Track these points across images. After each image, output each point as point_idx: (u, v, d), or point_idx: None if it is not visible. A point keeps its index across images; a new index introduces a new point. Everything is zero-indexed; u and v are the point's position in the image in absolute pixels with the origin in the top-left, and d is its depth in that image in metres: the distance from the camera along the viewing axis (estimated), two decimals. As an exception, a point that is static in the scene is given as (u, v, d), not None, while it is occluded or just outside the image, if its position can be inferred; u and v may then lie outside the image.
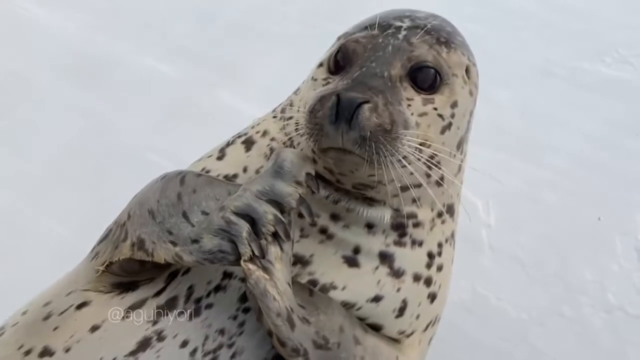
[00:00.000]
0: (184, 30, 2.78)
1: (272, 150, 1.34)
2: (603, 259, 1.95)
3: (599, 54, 2.42)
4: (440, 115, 1.22)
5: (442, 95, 1.23)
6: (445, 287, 1.40)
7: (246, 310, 1.19)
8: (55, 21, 2.85)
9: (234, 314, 1.19)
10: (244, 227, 1.06)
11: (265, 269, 1.05)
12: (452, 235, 1.41)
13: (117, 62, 2.66)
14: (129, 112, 2.49)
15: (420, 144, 1.16)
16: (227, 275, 1.21)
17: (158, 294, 1.20)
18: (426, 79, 1.21)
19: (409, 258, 1.27)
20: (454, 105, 1.24)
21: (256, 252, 1.05)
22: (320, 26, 2.64)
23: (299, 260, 1.22)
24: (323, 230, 1.24)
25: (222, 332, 1.17)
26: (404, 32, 1.22)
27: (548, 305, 1.88)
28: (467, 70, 1.29)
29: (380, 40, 1.21)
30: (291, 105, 1.39)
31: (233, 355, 1.16)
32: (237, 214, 1.08)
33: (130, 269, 1.24)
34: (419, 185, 1.21)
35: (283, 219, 1.08)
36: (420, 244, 1.29)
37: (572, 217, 2.05)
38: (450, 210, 1.38)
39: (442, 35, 1.26)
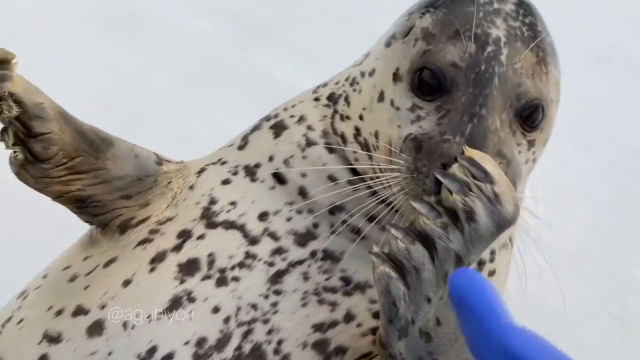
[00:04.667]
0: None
1: (307, 141, 1.24)
2: (655, 257, 1.90)
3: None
4: (535, 160, 1.12)
5: (541, 133, 1.11)
6: (500, 288, 1.32)
7: (278, 293, 1.15)
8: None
9: (266, 294, 1.15)
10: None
11: (399, 268, 0.94)
12: (510, 240, 1.31)
13: (151, 16, 2.58)
14: (160, 69, 2.41)
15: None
16: (250, 256, 1.17)
17: (177, 249, 1.18)
18: (533, 119, 1.07)
19: None
20: (546, 142, 1.14)
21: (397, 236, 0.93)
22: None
23: (329, 257, 1.18)
24: (356, 231, 1.17)
25: (254, 307, 1.14)
26: (505, 51, 1.05)
27: (596, 301, 1.84)
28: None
29: (483, 67, 1.03)
30: (347, 101, 1.25)
31: (270, 332, 1.13)
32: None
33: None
34: None
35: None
36: None
37: (624, 211, 2.00)
38: None
39: (540, 49, 1.09)
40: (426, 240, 0.92)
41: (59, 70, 2.40)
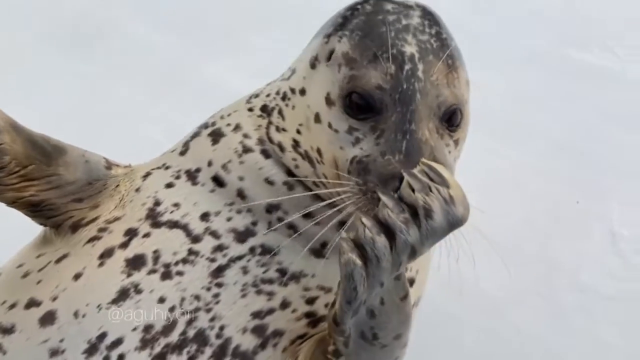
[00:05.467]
0: (180, -2, 2.73)
1: (244, 147, 1.31)
2: (579, 241, 2.02)
3: (586, 43, 2.48)
4: (459, 156, 1.25)
5: (462, 131, 1.22)
6: (424, 270, 1.44)
7: (219, 285, 1.22)
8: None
9: (207, 286, 1.22)
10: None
11: (363, 256, 0.98)
12: None
13: (109, 29, 2.61)
14: (120, 81, 2.46)
15: None
16: (193, 252, 1.24)
17: (124, 246, 1.24)
18: (454, 121, 1.18)
19: None
20: (465, 138, 1.25)
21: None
22: (320, 1, 2.62)
23: (267, 251, 1.25)
24: (291, 227, 1.25)
25: (197, 298, 1.21)
26: (420, 66, 1.14)
27: (526, 285, 1.94)
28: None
29: (405, 86, 1.13)
30: (281, 114, 1.31)
31: (212, 319, 1.20)
32: None
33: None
34: None
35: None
36: None
37: (551, 200, 2.12)
38: None
39: (449, 57, 1.18)
40: (388, 232, 0.98)
41: (23, 86, 2.44)
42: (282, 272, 1.25)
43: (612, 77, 2.39)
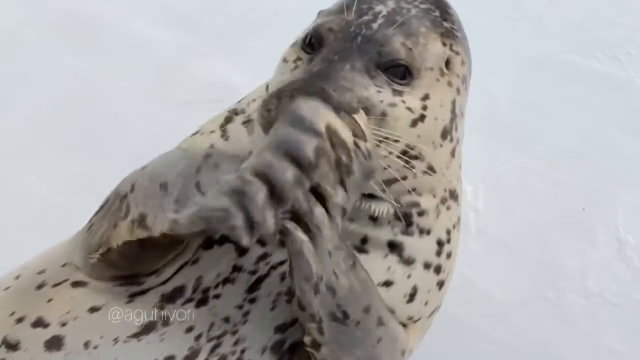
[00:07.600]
0: (182, -5, 2.74)
1: None
2: (585, 247, 2.01)
3: (591, 50, 2.49)
4: (408, 109, 1.15)
5: (412, 88, 1.16)
6: (452, 274, 1.41)
7: (252, 301, 1.18)
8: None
9: (240, 304, 1.18)
10: (261, 189, 0.91)
11: (309, 231, 0.97)
12: (459, 220, 1.38)
13: (110, 24, 2.62)
14: (120, 77, 2.46)
15: (386, 138, 1.11)
16: (236, 268, 1.18)
17: (164, 283, 1.17)
18: (396, 74, 1.14)
19: (419, 247, 1.25)
20: (425, 97, 1.17)
21: (267, 222, 0.92)
22: (321, 1, 2.63)
23: None
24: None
25: (227, 320, 1.16)
26: (380, 21, 1.14)
27: (531, 289, 1.93)
28: (447, 62, 1.21)
29: (352, 29, 1.13)
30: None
31: (236, 342, 1.16)
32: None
33: (129, 254, 1.16)
34: (405, 178, 1.18)
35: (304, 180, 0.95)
36: (429, 232, 1.26)
37: (557, 205, 2.11)
38: (453, 195, 1.33)
39: (423, 25, 1.17)
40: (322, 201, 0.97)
41: (19, 80, 2.44)
42: None
43: (617, 84, 2.40)
